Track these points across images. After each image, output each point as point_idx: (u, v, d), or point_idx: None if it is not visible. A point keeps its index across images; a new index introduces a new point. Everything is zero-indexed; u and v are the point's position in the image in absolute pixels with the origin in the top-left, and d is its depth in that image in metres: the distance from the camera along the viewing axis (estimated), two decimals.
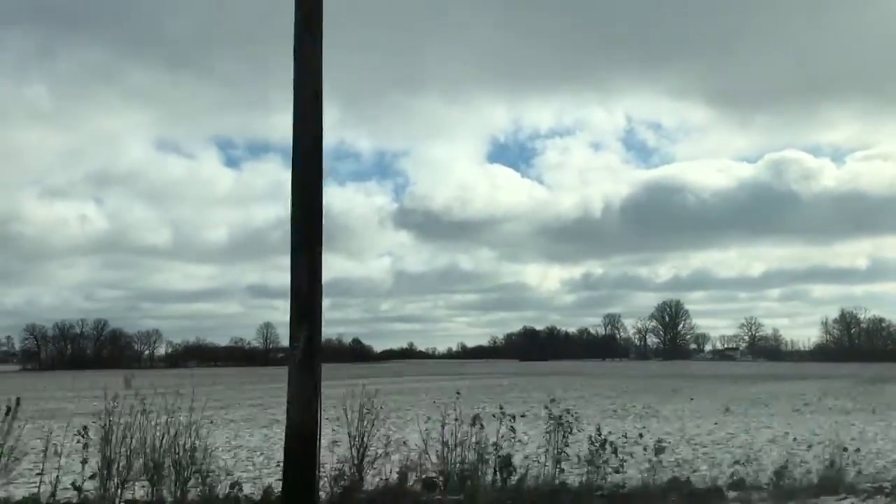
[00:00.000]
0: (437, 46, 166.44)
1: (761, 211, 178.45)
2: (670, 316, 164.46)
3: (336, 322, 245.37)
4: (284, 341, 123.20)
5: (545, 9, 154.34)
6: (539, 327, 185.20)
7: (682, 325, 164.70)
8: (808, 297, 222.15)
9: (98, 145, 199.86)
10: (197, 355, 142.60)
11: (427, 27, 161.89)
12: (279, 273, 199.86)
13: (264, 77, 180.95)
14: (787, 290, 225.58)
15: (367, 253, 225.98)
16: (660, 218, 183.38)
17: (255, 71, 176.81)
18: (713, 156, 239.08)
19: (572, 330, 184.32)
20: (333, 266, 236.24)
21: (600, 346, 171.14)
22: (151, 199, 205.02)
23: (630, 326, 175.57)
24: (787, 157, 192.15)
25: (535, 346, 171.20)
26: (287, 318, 7.70)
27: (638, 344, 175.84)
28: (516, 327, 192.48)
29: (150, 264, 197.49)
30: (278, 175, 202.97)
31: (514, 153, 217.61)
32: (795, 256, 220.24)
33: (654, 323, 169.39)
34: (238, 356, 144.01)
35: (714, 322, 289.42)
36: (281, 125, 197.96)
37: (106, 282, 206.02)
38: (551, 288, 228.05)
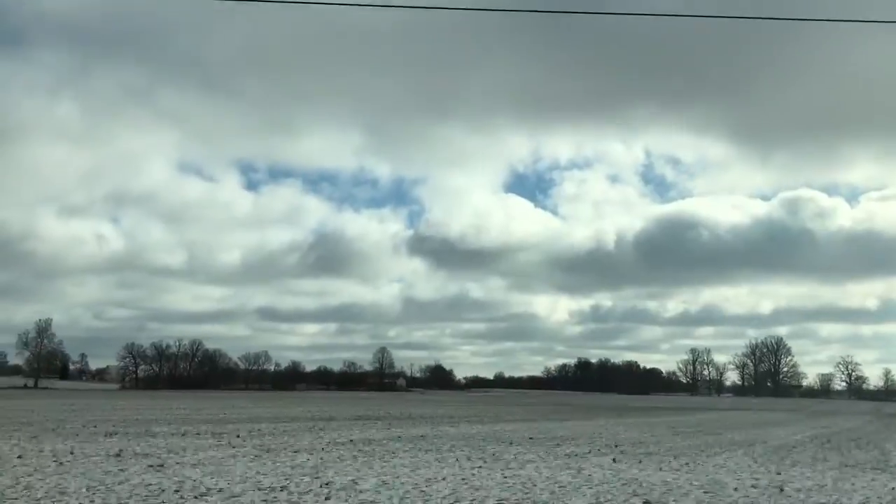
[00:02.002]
0: (465, 76, 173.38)
1: (775, 248, 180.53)
2: (766, 352, 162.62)
3: (341, 348, 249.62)
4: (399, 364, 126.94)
5: (572, 44, 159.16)
6: (563, 361, 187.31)
7: (782, 362, 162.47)
8: (815, 335, 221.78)
9: (121, 165, 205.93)
10: (303, 378, 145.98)
11: (456, 57, 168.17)
12: (290, 297, 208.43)
13: (292, 101, 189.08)
14: (795, 328, 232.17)
15: (379, 279, 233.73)
16: (673, 252, 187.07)
17: (283, 95, 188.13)
18: (731, 192, 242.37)
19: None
20: (344, 291, 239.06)
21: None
22: (169, 220, 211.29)
23: (722, 363, 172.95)
24: (801, 196, 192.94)
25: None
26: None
27: (733, 380, 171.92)
28: (522, 359, 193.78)
29: (162, 284, 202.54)
30: (297, 199, 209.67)
31: (532, 183, 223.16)
32: (806, 295, 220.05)
33: (744, 359, 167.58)
34: (351, 380, 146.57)
35: (720, 358, 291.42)
36: (305, 149, 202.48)
37: (116, 301, 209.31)
38: (560, 319, 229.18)
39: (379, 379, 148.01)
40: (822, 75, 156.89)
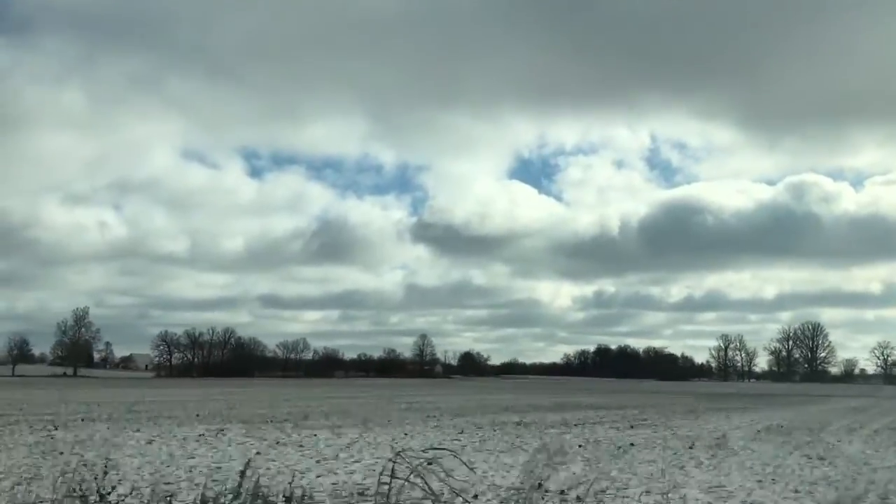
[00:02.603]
0: (470, 63, 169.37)
1: (779, 233, 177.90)
2: (802, 338, 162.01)
3: (343, 335, 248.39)
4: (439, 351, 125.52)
5: (580, 29, 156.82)
6: (567, 347, 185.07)
7: (820, 348, 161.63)
8: (818, 320, 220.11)
9: (125, 153, 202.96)
10: (340, 366, 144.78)
11: (462, 44, 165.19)
12: (294, 284, 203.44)
13: (297, 89, 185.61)
14: (798, 313, 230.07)
15: (383, 266, 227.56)
16: (677, 238, 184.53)
17: (288, 82, 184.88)
18: (737, 177, 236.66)
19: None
20: (347, 278, 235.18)
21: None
22: (172, 207, 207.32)
23: (756, 348, 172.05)
24: (806, 181, 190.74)
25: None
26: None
27: (766, 367, 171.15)
28: (524, 345, 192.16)
29: (164, 272, 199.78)
30: (301, 186, 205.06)
31: (538, 169, 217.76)
32: (810, 280, 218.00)
33: (777, 344, 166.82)
34: (391, 367, 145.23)
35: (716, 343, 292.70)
36: (309, 136, 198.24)
37: (118, 289, 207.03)
38: (562, 305, 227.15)
39: (420, 366, 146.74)
40: (830, 60, 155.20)
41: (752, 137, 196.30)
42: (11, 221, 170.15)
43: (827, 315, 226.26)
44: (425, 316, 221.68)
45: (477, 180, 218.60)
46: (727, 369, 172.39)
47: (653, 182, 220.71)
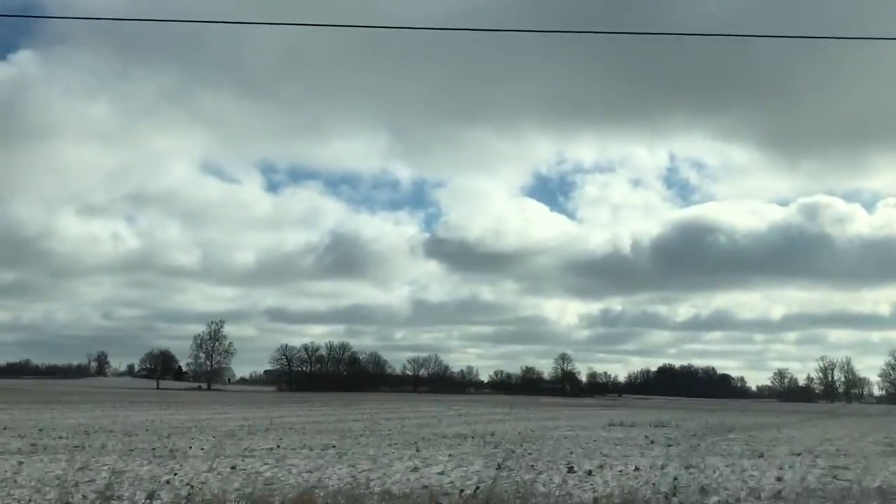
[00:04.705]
0: (495, 82, 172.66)
1: (790, 254, 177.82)
2: None
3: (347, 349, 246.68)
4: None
5: (603, 49, 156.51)
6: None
7: None
8: (823, 341, 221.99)
9: (144, 165, 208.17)
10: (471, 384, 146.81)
11: (487, 63, 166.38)
12: (302, 298, 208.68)
13: (324, 105, 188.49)
14: (804, 333, 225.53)
15: (393, 281, 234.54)
16: (688, 257, 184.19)
17: (316, 98, 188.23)
18: (754, 197, 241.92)
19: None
20: (355, 293, 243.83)
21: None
22: (186, 220, 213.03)
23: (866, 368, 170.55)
24: (819, 202, 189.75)
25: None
26: None
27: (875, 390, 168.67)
28: (528, 361, 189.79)
29: (174, 284, 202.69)
30: (316, 201, 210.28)
31: (555, 186, 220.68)
32: (818, 301, 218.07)
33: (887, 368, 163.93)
34: (530, 386, 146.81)
35: (724, 363, 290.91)
36: (331, 151, 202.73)
37: (127, 300, 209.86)
38: (569, 323, 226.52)
39: (562, 384, 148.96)
40: (852, 83, 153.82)
41: (772, 158, 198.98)
42: (26, 232, 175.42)
43: (833, 336, 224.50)
44: (430, 332, 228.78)
45: (492, 197, 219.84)
46: (834, 392, 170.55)
47: (669, 201, 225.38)
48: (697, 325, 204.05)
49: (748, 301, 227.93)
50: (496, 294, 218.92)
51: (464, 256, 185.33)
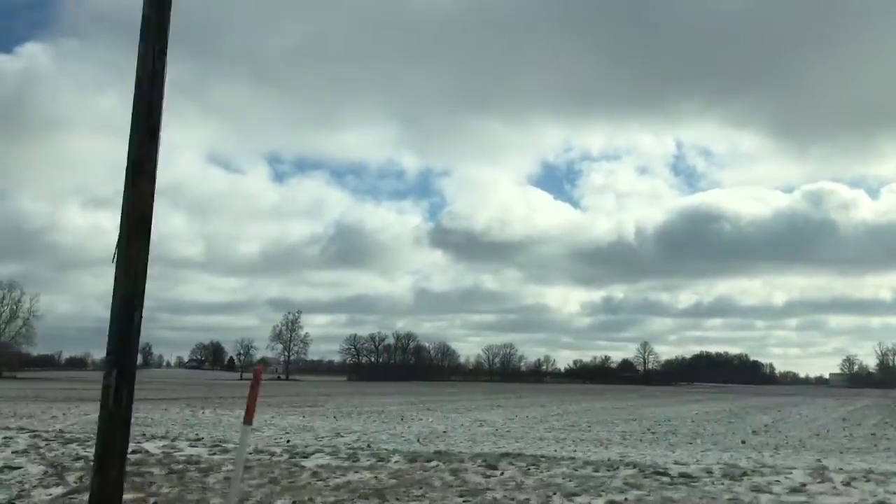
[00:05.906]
0: (506, 69, 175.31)
1: (793, 240, 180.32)
2: None
3: (342, 339, 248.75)
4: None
5: (614, 37, 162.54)
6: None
7: None
8: (824, 327, 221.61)
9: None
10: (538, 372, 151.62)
11: (498, 50, 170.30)
12: (305, 287, 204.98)
13: (335, 95, 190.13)
14: (805, 319, 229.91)
15: (397, 271, 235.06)
16: (692, 244, 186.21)
17: (328, 89, 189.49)
18: (760, 184, 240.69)
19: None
20: (359, 283, 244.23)
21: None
22: (192, 211, 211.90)
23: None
24: (823, 188, 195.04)
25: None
26: None
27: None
28: (526, 349, 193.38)
29: (178, 275, 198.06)
30: (322, 191, 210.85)
31: (561, 174, 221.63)
32: (819, 287, 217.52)
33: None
34: (604, 374, 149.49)
35: (725, 348, 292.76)
36: (339, 142, 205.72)
37: None
38: (571, 311, 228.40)
39: (640, 372, 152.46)
40: (863, 70, 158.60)
41: (781, 145, 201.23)
42: (32, 224, 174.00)
43: (833, 322, 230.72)
44: (432, 321, 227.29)
45: (497, 186, 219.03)
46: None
47: (675, 188, 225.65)
48: (698, 312, 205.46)
49: (750, 288, 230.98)
50: (499, 283, 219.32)
51: (467, 245, 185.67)
